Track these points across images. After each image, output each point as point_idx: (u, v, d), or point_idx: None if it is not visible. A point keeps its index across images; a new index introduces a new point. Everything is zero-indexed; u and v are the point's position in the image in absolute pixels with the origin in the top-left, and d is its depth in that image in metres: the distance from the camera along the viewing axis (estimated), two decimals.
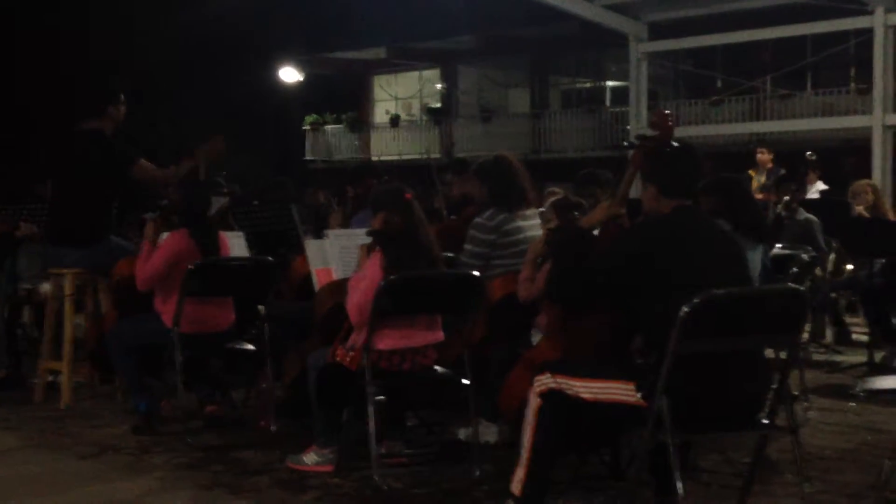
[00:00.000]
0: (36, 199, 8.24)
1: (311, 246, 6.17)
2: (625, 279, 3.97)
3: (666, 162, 4.19)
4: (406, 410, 5.84)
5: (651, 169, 4.21)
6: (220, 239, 6.30)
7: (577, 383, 4.03)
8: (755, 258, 5.75)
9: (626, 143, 5.25)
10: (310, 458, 5.24)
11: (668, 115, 4.41)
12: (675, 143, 4.35)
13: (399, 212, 5.18)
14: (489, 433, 5.61)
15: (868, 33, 14.54)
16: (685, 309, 3.66)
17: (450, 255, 5.95)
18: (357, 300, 5.07)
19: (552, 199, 5.78)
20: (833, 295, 8.89)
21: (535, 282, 5.00)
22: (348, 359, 5.12)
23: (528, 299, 5.08)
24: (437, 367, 5.29)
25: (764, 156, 12.57)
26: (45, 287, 7.67)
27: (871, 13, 14.12)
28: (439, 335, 5.29)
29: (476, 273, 5.31)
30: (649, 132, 4.57)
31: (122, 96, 6.96)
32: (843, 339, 9.05)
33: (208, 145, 6.90)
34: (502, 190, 5.94)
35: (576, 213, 5.37)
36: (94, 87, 7.13)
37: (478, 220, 5.90)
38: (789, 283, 4.70)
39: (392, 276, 4.94)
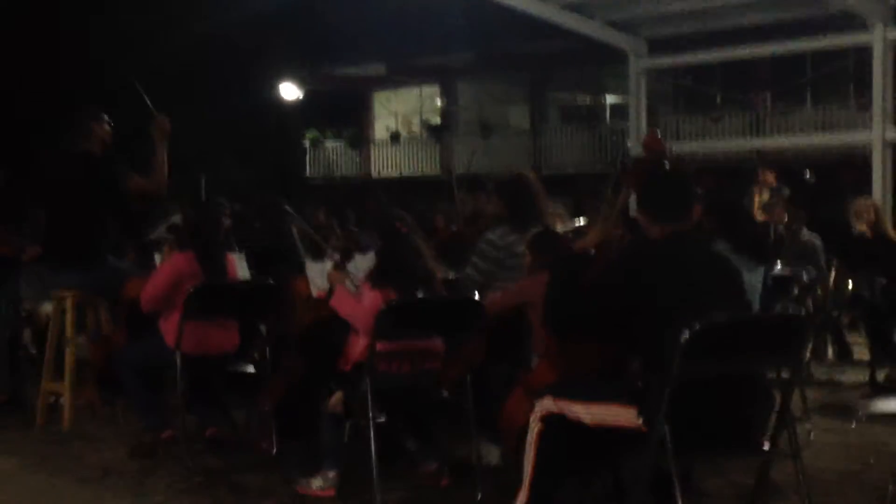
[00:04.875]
0: (33, 220, 8.24)
1: (313, 269, 6.18)
2: (620, 306, 3.96)
3: (656, 188, 4.18)
4: (406, 428, 5.84)
5: (642, 195, 4.19)
6: (227, 261, 6.31)
7: (578, 407, 4.03)
8: (755, 279, 5.76)
9: (619, 165, 5.26)
10: (316, 483, 5.24)
11: (660, 136, 4.42)
12: (667, 165, 4.33)
13: (393, 243, 5.27)
14: (491, 455, 5.61)
15: (867, 49, 14.54)
16: (685, 334, 3.66)
17: (451, 277, 5.98)
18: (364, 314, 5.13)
19: (533, 231, 5.74)
20: (834, 313, 8.89)
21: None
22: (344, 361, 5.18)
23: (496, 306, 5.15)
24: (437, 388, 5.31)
25: (766, 176, 12.57)
26: (46, 308, 7.68)
27: (870, 29, 14.12)
28: (437, 343, 5.30)
29: (475, 296, 5.32)
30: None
31: (105, 115, 6.94)
32: (845, 357, 9.05)
33: (156, 126, 6.88)
34: (519, 208, 5.99)
35: (564, 237, 5.41)
36: (74, 110, 7.11)
37: (489, 235, 5.95)
38: (790, 309, 4.69)
39: (391, 301, 4.96)
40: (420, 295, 5.22)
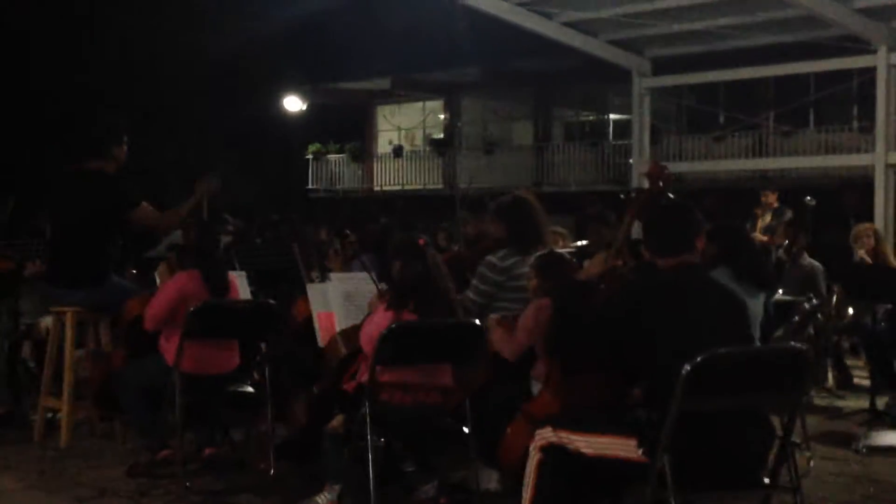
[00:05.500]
0: (35, 233, 8.25)
1: (313, 289, 6.17)
2: (622, 338, 3.96)
3: (659, 220, 4.17)
4: (404, 453, 5.82)
5: (646, 227, 4.19)
6: (229, 280, 6.30)
7: (579, 438, 4.02)
8: (757, 306, 5.74)
9: (622, 197, 5.27)
10: (321, 500, 5.22)
11: (663, 167, 4.42)
12: (671, 196, 4.34)
13: (414, 260, 5.22)
14: (490, 480, 5.59)
15: (871, 72, 14.56)
16: (687, 367, 3.65)
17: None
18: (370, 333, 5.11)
19: (535, 255, 5.71)
20: (835, 339, 8.86)
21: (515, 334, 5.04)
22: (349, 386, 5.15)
23: (516, 355, 5.11)
24: (439, 412, 5.28)
25: (769, 198, 12.59)
26: (46, 322, 7.67)
27: (874, 52, 14.15)
28: (446, 380, 5.27)
29: (477, 322, 5.29)
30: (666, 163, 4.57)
31: (126, 137, 6.95)
32: (845, 383, 9.02)
33: (205, 182, 6.90)
34: (520, 230, 5.97)
35: (569, 261, 5.38)
36: (98, 127, 7.07)
37: (490, 258, 5.93)
38: (791, 337, 4.67)
39: (392, 325, 4.94)
40: (440, 318, 5.17)
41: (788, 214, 12.02)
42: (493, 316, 5.56)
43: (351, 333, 5.66)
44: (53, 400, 6.92)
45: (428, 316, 5.13)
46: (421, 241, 5.32)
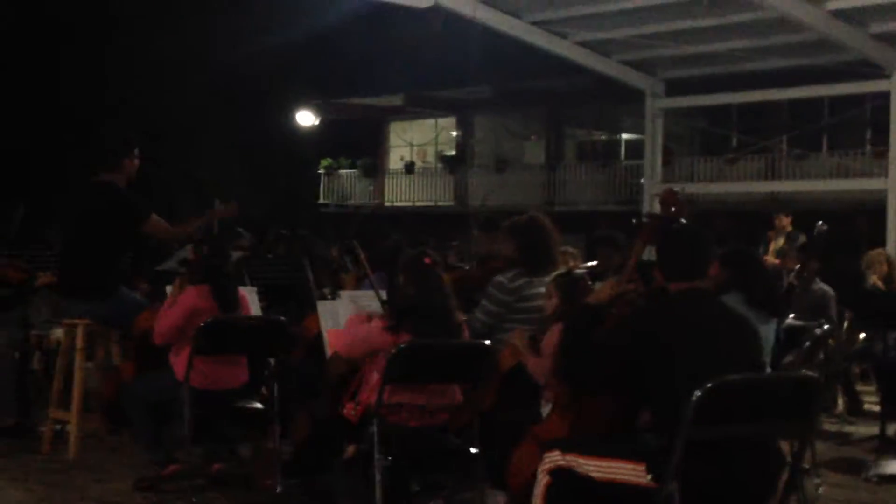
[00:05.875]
0: (44, 244, 8.28)
1: (324, 307, 6.16)
2: (632, 363, 3.94)
3: (672, 246, 4.17)
4: (411, 473, 5.80)
5: (658, 252, 4.18)
6: (239, 295, 6.31)
7: (587, 462, 4.00)
8: (768, 332, 5.72)
9: (634, 221, 5.25)
10: None
11: (676, 192, 4.41)
12: (683, 222, 4.33)
13: (417, 277, 5.20)
14: (497, 502, 5.56)
15: (884, 97, 14.58)
16: (697, 393, 3.64)
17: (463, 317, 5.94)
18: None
19: (553, 273, 5.70)
20: (845, 364, 8.83)
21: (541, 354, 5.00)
22: (354, 412, 5.11)
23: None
24: (445, 433, 5.27)
25: (782, 221, 12.57)
26: (56, 333, 7.69)
27: (888, 77, 14.16)
28: (454, 398, 5.25)
29: (486, 342, 5.27)
30: (675, 188, 4.56)
31: (137, 149, 6.99)
32: (855, 409, 8.98)
33: (223, 208, 6.95)
34: (531, 251, 5.94)
35: (587, 282, 5.35)
36: (110, 139, 7.12)
37: (499, 278, 5.90)
38: (803, 369, 4.65)
39: (402, 345, 4.92)
40: (441, 339, 5.16)
41: (801, 239, 11.98)
42: (518, 336, 5.46)
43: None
44: (62, 412, 6.93)
45: (427, 336, 5.09)
46: (427, 260, 5.28)
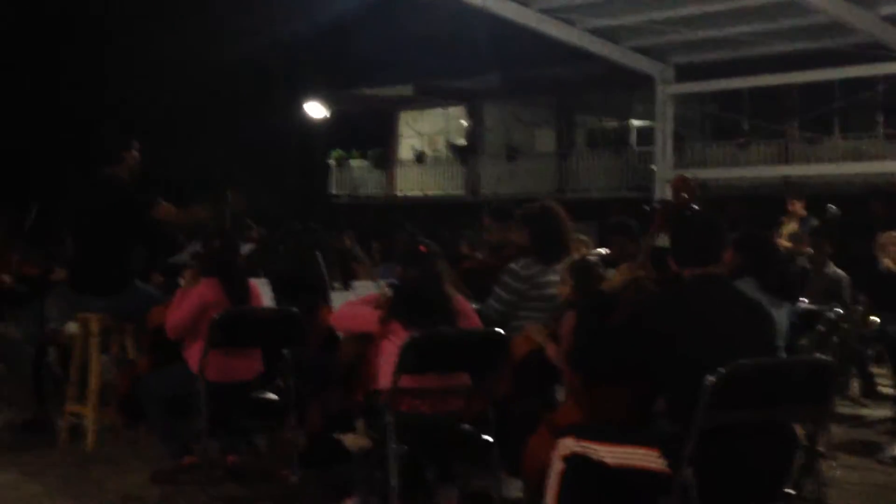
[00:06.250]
0: (56, 241, 8.31)
1: (337, 298, 6.18)
2: (645, 350, 3.95)
3: (685, 232, 4.17)
4: (426, 462, 5.82)
5: (672, 238, 4.19)
6: (250, 288, 6.33)
7: (601, 448, 4.01)
8: (782, 317, 5.71)
9: (646, 208, 5.25)
10: None
11: (688, 179, 4.41)
12: (695, 208, 4.33)
13: (414, 266, 5.21)
14: (512, 489, 5.58)
15: None
16: (710, 379, 3.64)
17: (475, 306, 5.95)
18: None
19: (567, 259, 5.69)
20: (859, 348, 8.80)
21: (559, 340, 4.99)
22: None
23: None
24: (460, 421, 5.27)
25: (795, 206, 12.51)
26: (72, 327, 7.71)
27: None
28: (463, 379, 5.25)
29: (499, 330, 5.26)
30: (687, 174, 4.56)
31: (135, 142, 7.02)
32: (870, 392, 8.96)
33: (231, 201, 6.98)
34: (544, 239, 5.94)
35: (599, 271, 5.34)
36: (109, 135, 7.22)
37: (513, 266, 5.91)
38: (817, 354, 4.64)
39: (416, 335, 4.92)
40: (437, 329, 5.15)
41: (814, 222, 11.94)
42: (537, 330, 5.46)
43: (358, 337, 5.67)
44: (78, 406, 6.97)
45: (424, 325, 5.07)
46: (422, 248, 5.28)
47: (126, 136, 7.04)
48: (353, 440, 5.11)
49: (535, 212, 6.14)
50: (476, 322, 5.37)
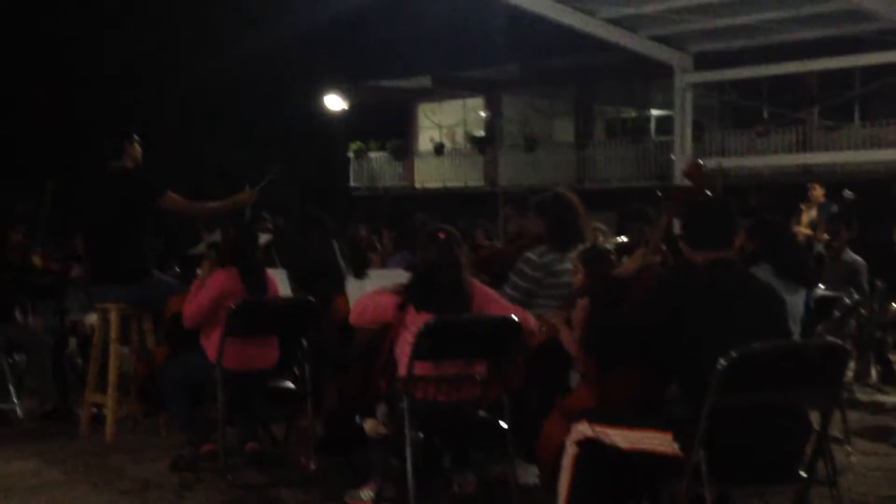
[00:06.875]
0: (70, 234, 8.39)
1: (352, 286, 6.21)
2: (658, 334, 3.96)
3: (697, 216, 4.18)
4: (443, 448, 5.84)
5: (684, 223, 4.20)
6: (267, 277, 6.37)
7: (614, 432, 4.03)
8: (798, 302, 5.71)
9: (659, 193, 5.24)
10: (366, 494, 5.26)
11: (701, 165, 4.41)
12: (708, 194, 4.34)
13: (431, 250, 5.22)
14: (528, 475, 5.60)
15: None
16: (723, 362, 3.65)
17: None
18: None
19: (579, 247, 5.70)
20: (878, 334, 8.79)
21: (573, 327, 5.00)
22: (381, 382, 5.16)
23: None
24: (476, 408, 5.29)
25: (816, 191, 12.50)
26: (91, 319, 7.80)
27: None
28: (479, 368, 5.26)
29: (515, 318, 5.27)
30: (703, 160, 4.56)
31: (135, 135, 7.08)
32: (889, 378, 8.94)
33: (245, 196, 7.04)
34: (559, 227, 5.96)
35: (612, 256, 5.35)
36: (108, 129, 7.30)
37: (529, 254, 5.94)
38: (829, 337, 4.63)
39: (431, 322, 4.93)
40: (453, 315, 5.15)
41: (834, 209, 11.92)
42: (555, 316, 5.46)
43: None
44: (99, 395, 7.05)
45: (439, 309, 5.07)
46: (441, 234, 5.28)
47: (126, 131, 7.10)
48: (371, 426, 5.14)
49: (549, 200, 6.16)
50: (503, 307, 5.35)
